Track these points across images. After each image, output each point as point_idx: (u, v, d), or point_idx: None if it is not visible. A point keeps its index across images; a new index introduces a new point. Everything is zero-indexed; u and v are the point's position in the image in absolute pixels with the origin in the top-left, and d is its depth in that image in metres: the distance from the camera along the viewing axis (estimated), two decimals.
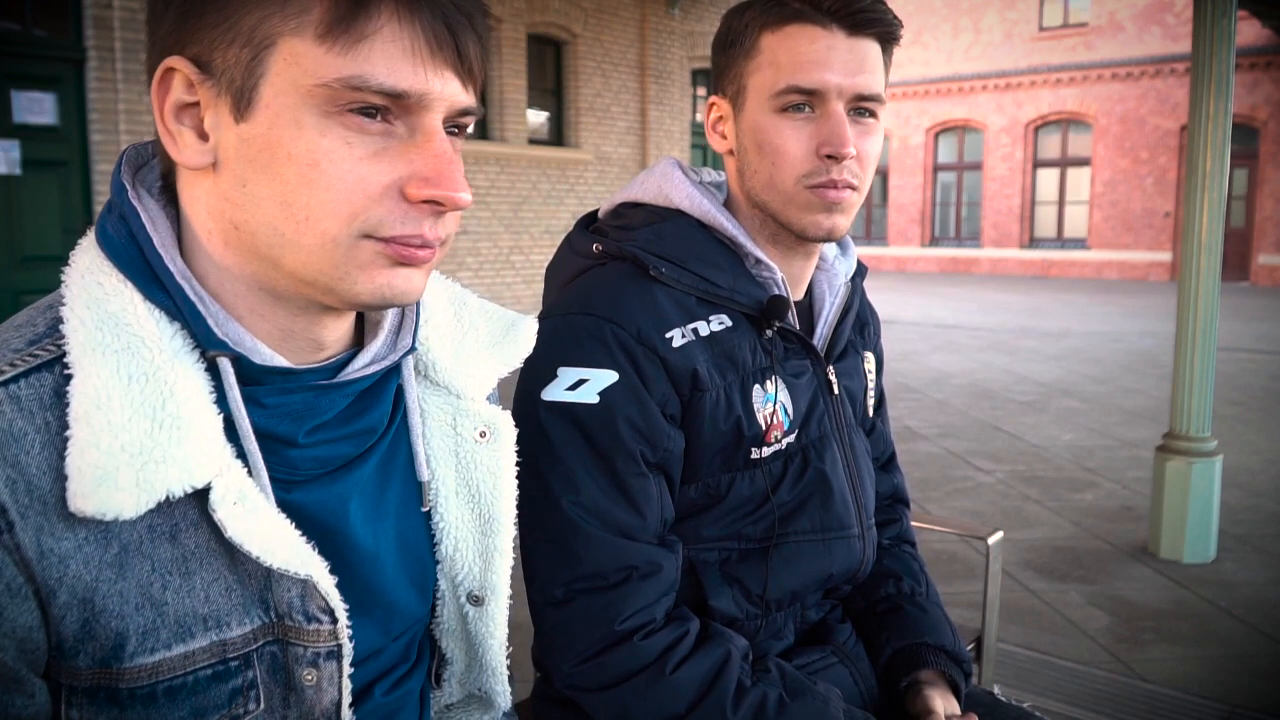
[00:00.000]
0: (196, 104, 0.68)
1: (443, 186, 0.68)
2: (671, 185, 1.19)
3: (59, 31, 6.46)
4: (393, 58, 0.65)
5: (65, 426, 0.64)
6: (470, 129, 0.75)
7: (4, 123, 6.22)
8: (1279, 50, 17.52)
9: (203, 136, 0.68)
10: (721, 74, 1.18)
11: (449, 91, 0.69)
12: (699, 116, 12.31)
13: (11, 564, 0.62)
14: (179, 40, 0.67)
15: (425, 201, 0.68)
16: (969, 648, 1.70)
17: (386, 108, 0.67)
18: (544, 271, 1.28)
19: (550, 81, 10.57)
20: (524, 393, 1.10)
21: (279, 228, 0.67)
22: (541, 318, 1.15)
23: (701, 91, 12.38)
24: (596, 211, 1.27)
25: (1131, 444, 5.76)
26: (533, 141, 10.29)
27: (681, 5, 11.55)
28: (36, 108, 6.35)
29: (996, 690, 1.70)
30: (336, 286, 0.69)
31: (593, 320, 1.09)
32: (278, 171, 0.66)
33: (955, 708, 1.20)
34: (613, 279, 1.13)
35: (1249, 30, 16.34)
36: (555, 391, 1.07)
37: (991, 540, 1.90)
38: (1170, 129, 19.28)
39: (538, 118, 10.48)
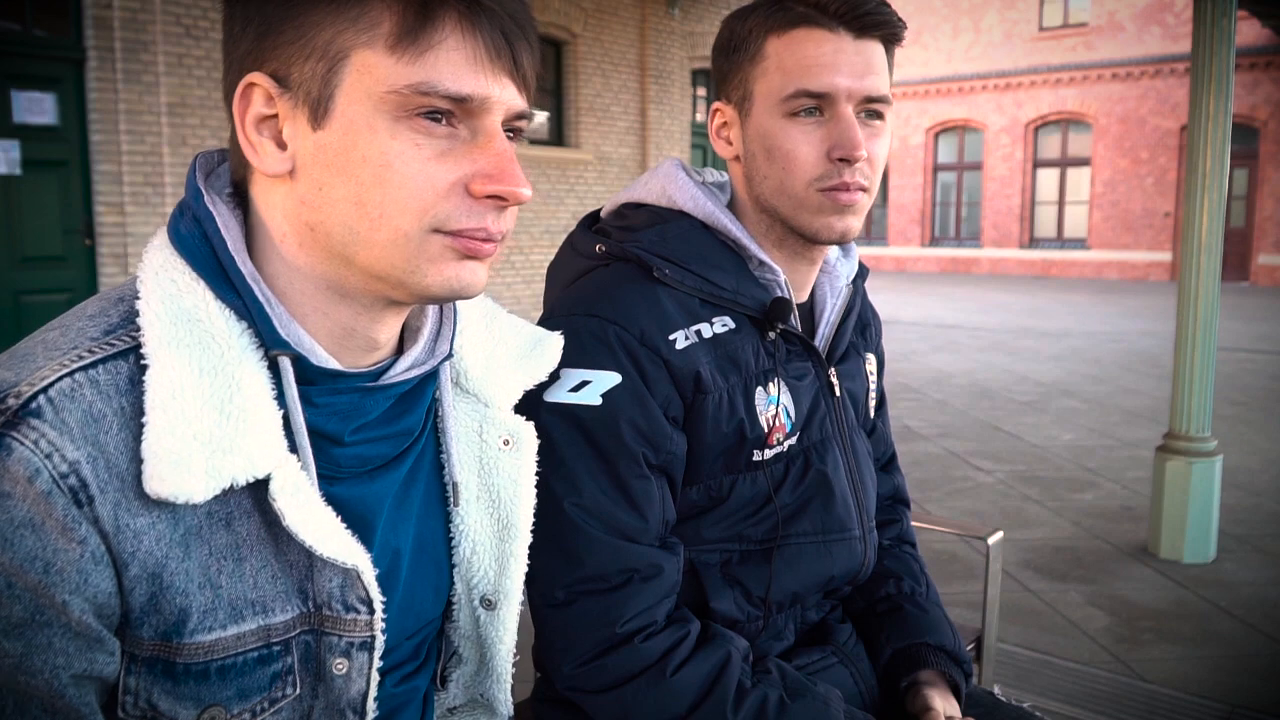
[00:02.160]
0: (275, 116, 0.73)
1: (505, 182, 0.73)
2: (675, 186, 1.19)
3: (59, 31, 6.46)
4: (457, 65, 0.71)
5: (140, 412, 0.68)
6: (524, 132, 0.80)
7: (4, 123, 6.21)
8: (1279, 50, 17.51)
9: (281, 146, 0.73)
10: (725, 80, 1.18)
11: (507, 96, 0.74)
12: (699, 117, 12.30)
13: (95, 534, 0.66)
14: (258, 58, 0.73)
15: (489, 196, 0.74)
16: (969, 648, 1.70)
17: (451, 111, 0.72)
18: (544, 271, 1.28)
19: (550, 81, 10.57)
20: (527, 394, 1.10)
21: (354, 226, 0.73)
22: (544, 319, 1.15)
23: (702, 92, 12.36)
24: (599, 211, 1.27)
25: (1131, 444, 5.76)
26: (533, 141, 10.28)
27: (681, 5, 11.55)
28: (36, 108, 6.35)
29: (996, 690, 1.70)
30: (407, 280, 0.74)
31: (596, 322, 1.09)
32: (353, 173, 0.71)
33: (955, 708, 1.20)
34: (616, 280, 1.13)
35: (1249, 30, 16.34)
36: (558, 393, 1.07)
37: (991, 540, 1.90)
38: (1170, 129, 19.27)
39: (538, 118, 10.48)
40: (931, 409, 6.85)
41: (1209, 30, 3.61)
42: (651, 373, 1.08)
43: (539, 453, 1.07)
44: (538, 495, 1.07)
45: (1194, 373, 3.76)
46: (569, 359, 1.07)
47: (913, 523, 1.47)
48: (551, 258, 1.27)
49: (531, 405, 1.08)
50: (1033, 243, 21.44)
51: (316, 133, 0.72)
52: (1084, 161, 20.55)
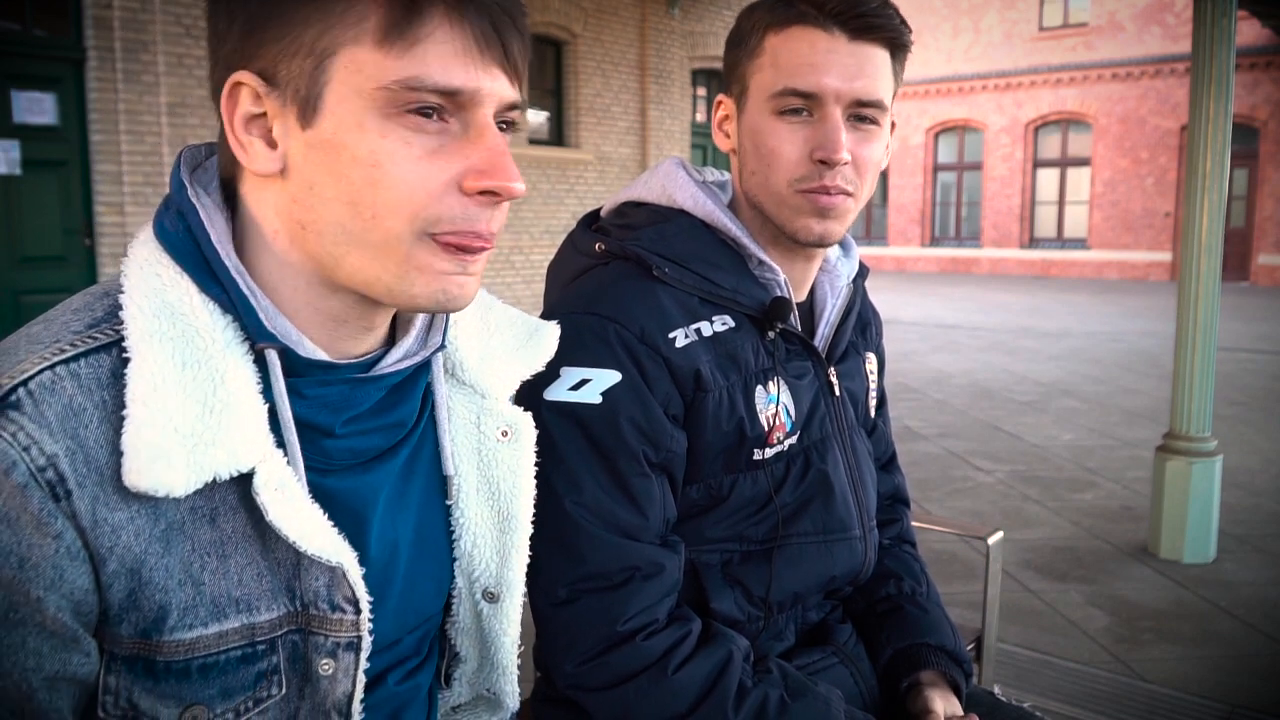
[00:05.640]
0: (264, 115, 0.72)
1: (497, 177, 0.72)
2: (675, 185, 1.19)
3: (59, 31, 6.46)
4: (445, 58, 0.70)
5: (121, 406, 0.67)
6: (518, 125, 0.78)
7: (4, 123, 6.22)
8: (1279, 50, 17.51)
9: (271, 145, 0.72)
10: (730, 72, 1.18)
11: (498, 88, 0.73)
12: (699, 116, 12.31)
13: (71, 528, 0.66)
14: (244, 56, 0.71)
15: (482, 193, 0.72)
16: (969, 648, 1.70)
17: (442, 106, 0.71)
18: (544, 271, 1.28)
19: (550, 81, 10.57)
20: (526, 392, 1.10)
21: (347, 226, 0.72)
22: (544, 317, 1.15)
23: (702, 92, 12.38)
24: (599, 210, 1.27)
25: (1131, 444, 5.76)
26: (533, 141, 10.29)
27: (681, 5, 11.55)
28: (36, 108, 6.35)
29: (996, 690, 1.70)
30: (395, 287, 0.74)
31: (596, 320, 1.09)
32: (343, 173, 0.71)
33: (956, 708, 1.20)
34: (616, 278, 1.13)
35: (1249, 30, 16.33)
36: (558, 391, 1.07)
37: (991, 540, 1.90)
38: (1170, 129, 19.27)
39: (538, 118, 10.49)
40: (931, 409, 6.85)
41: (1209, 30, 3.61)
42: (651, 370, 1.08)
43: (540, 451, 1.07)
44: (538, 494, 1.07)
45: (1194, 373, 3.76)
46: (569, 357, 1.07)
47: (913, 523, 1.47)
48: (551, 258, 1.27)
49: (531, 403, 1.08)
50: (1033, 243, 21.44)
51: (306, 132, 0.71)
52: (1084, 161, 20.55)
